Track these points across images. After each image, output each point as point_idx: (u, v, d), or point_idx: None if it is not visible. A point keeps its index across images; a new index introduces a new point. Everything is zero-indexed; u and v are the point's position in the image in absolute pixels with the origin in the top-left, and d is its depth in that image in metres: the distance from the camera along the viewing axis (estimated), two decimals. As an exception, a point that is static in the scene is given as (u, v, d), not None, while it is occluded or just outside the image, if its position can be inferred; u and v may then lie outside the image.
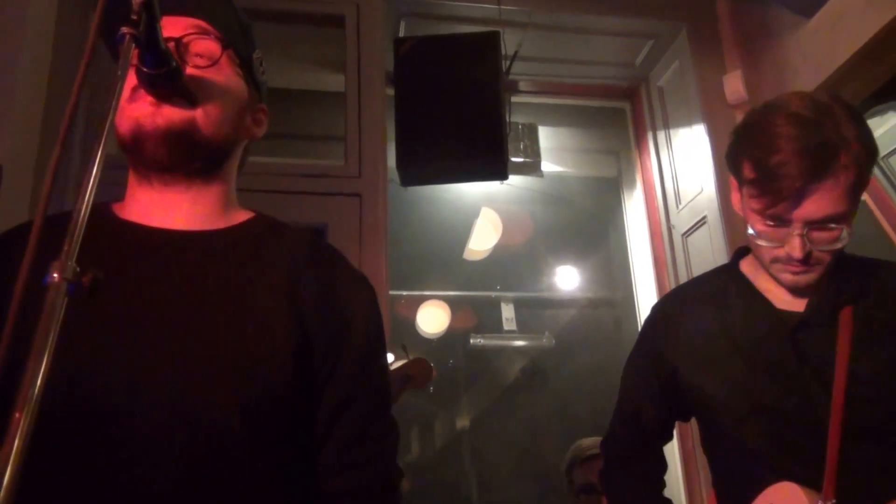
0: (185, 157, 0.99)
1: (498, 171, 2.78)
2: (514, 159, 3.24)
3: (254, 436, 0.91)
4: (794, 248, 1.21)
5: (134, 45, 0.75)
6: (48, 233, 0.62)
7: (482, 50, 2.76)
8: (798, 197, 1.18)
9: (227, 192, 1.08)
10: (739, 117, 2.95)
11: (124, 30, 0.74)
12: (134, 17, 0.75)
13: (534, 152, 3.38)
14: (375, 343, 1.08)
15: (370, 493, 1.01)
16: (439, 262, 4.84)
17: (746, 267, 1.42)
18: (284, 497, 0.95)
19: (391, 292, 2.64)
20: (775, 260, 1.26)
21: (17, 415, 0.54)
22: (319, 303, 1.01)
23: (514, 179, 3.57)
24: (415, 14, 3.04)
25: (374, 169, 2.65)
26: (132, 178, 1.04)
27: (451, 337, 5.01)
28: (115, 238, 0.98)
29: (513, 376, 5.00)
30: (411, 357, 2.09)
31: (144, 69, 0.85)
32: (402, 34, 3.03)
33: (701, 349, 1.36)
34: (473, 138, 2.66)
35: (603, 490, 1.55)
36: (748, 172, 1.25)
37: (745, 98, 2.90)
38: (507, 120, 2.75)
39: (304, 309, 0.99)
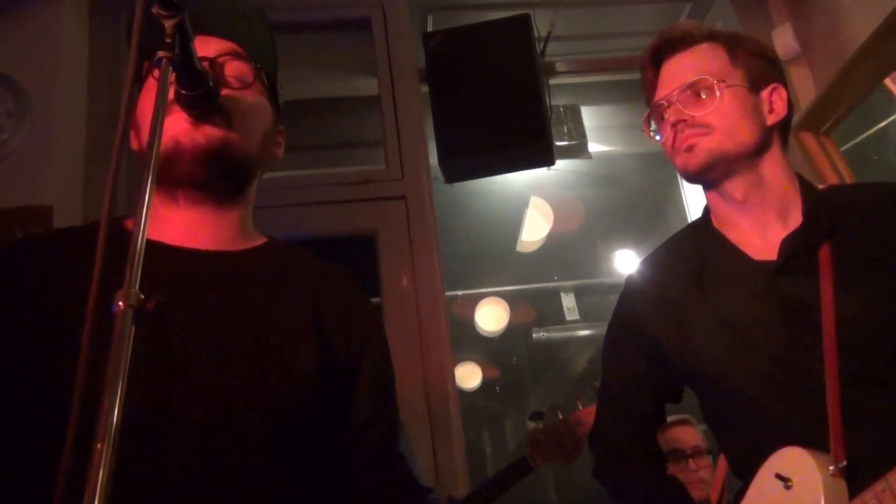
0: (219, 176, 1.02)
1: (543, 157, 2.76)
2: (558, 143, 3.20)
3: (281, 451, 0.95)
4: (670, 114, 1.27)
5: (171, 68, 0.77)
6: (75, 246, 0.64)
7: (514, 34, 2.75)
8: (660, 74, 1.31)
9: (248, 215, 1.12)
10: (793, 72, 2.86)
11: (160, 53, 0.76)
12: (168, 40, 0.77)
13: (578, 134, 3.34)
14: (387, 371, 1.14)
15: None
16: (492, 258, 4.83)
17: (716, 220, 1.35)
18: None
19: (446, 293, 2.64)
20: (672, 148, 1.29)
21: (98, 445, 0.56)
22: (340, 324, 1.05)
23: (562, 164, 3.52)
24: (441, 7, 3.05)
25: (416, 169, 2.66)
26: (155, 196, 1.05)
27: (512, 333, 5.00)
28: (152, 259, 0.98)
29: (581, 367, 4.95)
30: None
31: (182, 90, 0.87)
32: (430, 29, 3.03)
33: (683, 316, 1.29)
34: (514, 126, 2.64)
35: (603, 486, 1.44)
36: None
37: (797, 51, 2.82)
38: (548, 103, 2.73)
39: (326, 329, 1.03)
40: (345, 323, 1.07)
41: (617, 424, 1.42)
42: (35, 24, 2.26)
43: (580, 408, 2.14)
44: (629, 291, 1.44)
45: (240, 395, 0.94)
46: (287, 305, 1.04)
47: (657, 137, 1.33)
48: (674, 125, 1.26)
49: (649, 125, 1.34)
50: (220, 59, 1.03)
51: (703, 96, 1.25)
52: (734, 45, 1.30)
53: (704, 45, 1.29)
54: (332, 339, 1.04)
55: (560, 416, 2.12)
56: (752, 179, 1.27)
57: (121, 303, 0.61)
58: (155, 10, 0.76)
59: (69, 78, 2.26)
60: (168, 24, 0.77)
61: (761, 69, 1.30)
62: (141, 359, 0.89)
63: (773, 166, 1.28)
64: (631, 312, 1.41)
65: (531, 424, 2.13)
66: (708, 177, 1.28)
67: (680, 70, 1.29)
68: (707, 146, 1.24)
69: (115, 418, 0.57)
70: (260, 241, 1.13)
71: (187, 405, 0.91)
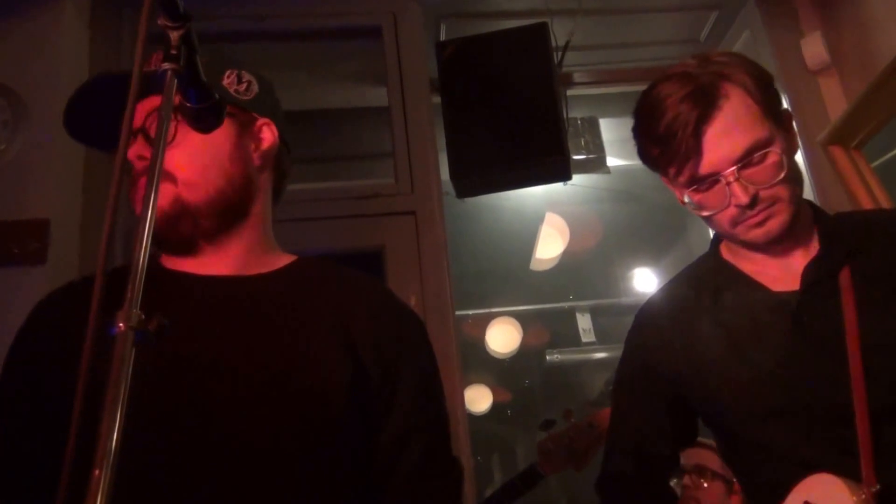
0: (191, 230, 1.07)
1: (560, 171, 2.76)
2: (575, 157, 3.21)
3: (311, 468, 0.98)
4: (737, 195, 1.20)
5: (176, 81, 0.78)
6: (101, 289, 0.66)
7: (530, 44, 2.76)
8: (703, 143, 1.21)
9: (261, 235, 1.15)
10: (822, 84, 2.86)
11: (165, 65, 0.77)
12: (174, 52, 0.78)
13: (597, 147, 3.35)
14: (430, 378, 1.15)
15: None
16: (505, 276, 4.83)
17: (728, 253, 1.36)
18: None
19: (456, 312, 2.64)
20: (734, 223, 1.24)
21: (96, 472, 0.56)
22: (370, 334, 1.08)
23: (578, 179, 3.54)
24: (455, 14, 3.06)
25: (426, 183, 2.67)
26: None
27: (525, 355, 4.98)
28: (162, 286, 1.05)
29: (597, 391, 4.93)
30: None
31: (188, 104, 0.88)
32: (443, 38, 3.05)
33: (700, 353, 1.30)
34: (530, 139, 2.65)
35: None
36: (653, 152, 1.27)
37: (827, 62, 2.82)
38: (565, 116, 2.74)
39: (356, 344, 1.06)
40: (375, 333, 1.09)
41: (629, 468, 1.41)
42: (33, 32, 2.29)
43: (592, 411, 2.15)
44: (641, 328, 1.44)
45: (265, 418, 0.97)
46: (312, 323, 1.07)
47: (700, 206, 1.26)
48: (742, 206, 1.21)
49: (693, 185, 1.25)
50: (147, 124, 1.07)
51: (756, 163, 1.20)
52: (757, 90, 1.23)
53: (733, 98, 1.22)
54: (361, 352, 1.06)
55: (572, 422, 2.13)
56: (792, 225, 1.26)
57: (121, 324, 0.61)
58: (160, 21, 0.77)
59: (69, 87, 2.27)
60: (174, 36, 0.78)
61: (778, 103, 1.28)
62: (161, 387, 0.93)
63: (801, 202, 1.29)
64: (644, 348, 1.41)
65: (543, 434, 2.14)
66: (772, 245, 1.28)
67: (723, 139, 1.20)
68: (780, 220, 1.23)
69: (113, 443, 0.57)
70: (285, 261, 1.16)
71: (213, 435, 0.95)
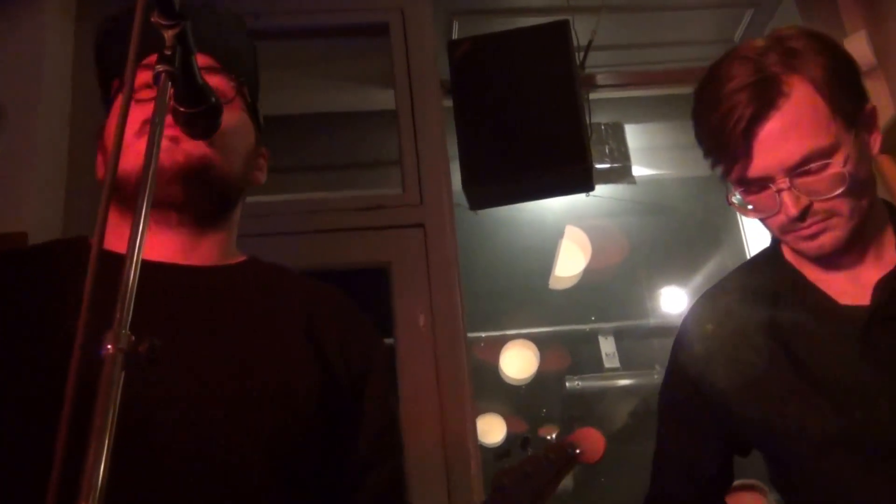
0: (199, 197, 1.07)
1: (581, 181, 2.77)
2: (598, 166, 3.22)
3: (279, 476, 0.98)
4: (787, 205, 1.17)
5: (170, 83, 0.79)
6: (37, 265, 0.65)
7: (550, 43, 2.77)
8: (755, 145, 1.17)
9: (231, 241, 1.17)
10: (868, 86, 2.85)
11: (159, 67, 0.78)
12: (168, 52, 0.79)
13: (622, 155, 3.35)
14: (394, 402, 1.18)
15: None
16: (521, 295, 4.82)
17: (791, 254, 1.32)
18: None
19: (468, 335, 2.64)
20: (784, 230, 1.22)
21: (81, 504, 0.56)
22: (339, 345, 1.10)
23: (602, 189, 3.55)
24: (468, 11, 3.08)
25: (437, 194, 2.67)
26: (118, 216, 1.07)
27: (543, 381, 4.96)
28: (115, 274, 1.01)
29: (621, 422, 4.90)
30: (577, 428, 2.14)
31: (182, 108, 0.89)
32: (455, 36, 3.07)
33: (753, 369, 1.28)
34: (549, 147, 2.65)
35: None
36: (705, 140, 1.25)
37: (873, 63, 2.81)
38: (588, 121, 2.74)
39: (325, 349, 1.08)
40: (345, 345, 1.11)
41: (679, 488, 1.41)
42: (14, 33, 2.31)
43: (550, 440, 2.10)
44: (687, 336, 1.42)
45: (232, 413, 0.97)
46: (278, 321, 1.08)
47: (749, 208, 1.26)
48: (791, 218, 1.19)
49: (743, 183, 1.24)
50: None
51: (813, 172, 1.16)
52: (829, 85, 1.17)
53: (796, 96, 1.17)
54: (332, 361, 1.08)
55: (529, 452, 2.09)
56: (856, 236, 1.24)
57: (110, 346, 0.61)
58: (154, 18, 0.79)
59: (51, 92, 2.30)
60: (168, 35, 0.80)
61: (855, 100, 1.22)
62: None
63: (873, 207, 1.25)
64: (690, 361, 1.39)
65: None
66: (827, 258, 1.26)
67: (776, 144, 1.17)
68: (835, 236, 1.20)
69: (100, 474, 0.56)
70: (240, 258, 1.18)
71: (175, 429, 0.94)
